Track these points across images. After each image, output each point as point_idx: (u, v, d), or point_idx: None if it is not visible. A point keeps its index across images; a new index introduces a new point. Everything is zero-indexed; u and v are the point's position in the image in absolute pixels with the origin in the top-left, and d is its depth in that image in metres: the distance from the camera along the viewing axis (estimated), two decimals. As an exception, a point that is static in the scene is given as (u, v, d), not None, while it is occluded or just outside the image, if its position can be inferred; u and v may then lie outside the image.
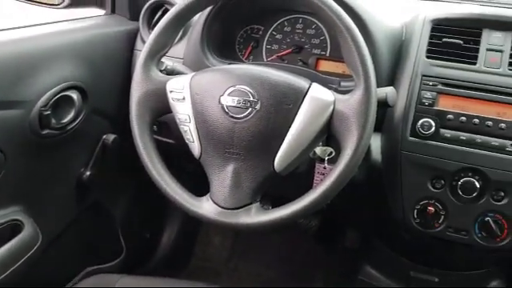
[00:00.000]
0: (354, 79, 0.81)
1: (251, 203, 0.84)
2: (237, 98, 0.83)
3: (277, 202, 0.86)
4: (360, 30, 0.81)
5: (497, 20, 1.00)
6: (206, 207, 0.85)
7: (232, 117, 0.83)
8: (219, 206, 0.84)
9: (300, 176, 1.01)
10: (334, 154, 0.97)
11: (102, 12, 1.32)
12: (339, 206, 1.34)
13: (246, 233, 1.80)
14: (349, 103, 0.80)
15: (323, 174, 1.01)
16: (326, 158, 0.97)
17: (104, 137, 1.23)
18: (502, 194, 0.95)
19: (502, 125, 0.94)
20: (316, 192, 0.80)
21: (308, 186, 0.83)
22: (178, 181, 0.88)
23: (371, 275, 1.29)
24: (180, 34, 1.18)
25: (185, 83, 0.88)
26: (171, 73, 0.98)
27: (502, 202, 0.95)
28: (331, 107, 0.81)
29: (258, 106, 0.82)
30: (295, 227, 1.56)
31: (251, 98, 0.82)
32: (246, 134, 0.82)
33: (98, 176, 1.24)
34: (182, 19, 0.90)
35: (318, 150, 0.98)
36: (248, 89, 0.83)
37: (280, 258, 1.81)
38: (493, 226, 0.96)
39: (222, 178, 0.84)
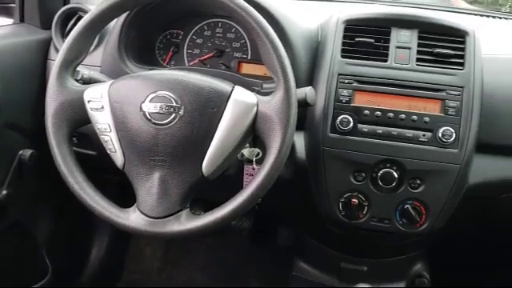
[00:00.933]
0: (274, 81, 0.83)
1: (181, 210, 0.83)
2: (159, 104, 0.81)
3: (209, 207, 0.85)
4: (277, 33, 0.83)
5: (403, 19, 1.06)
6: (133, 218, 0.83)
7: (155, 123, 0.82)
8: (147, 216, 0.82)
9: (230, 179, 1.02)
10: (261, 154, 0.98)
11: (9, 21, 1.25)
12: (270, 205, 1.36)
13: (178, 240, 1.78)
14: (271, 104, 0.82)
15: (252, 175, 1.02)
16: (254, 159, 0.98)
17: (20, 152, 1.16)
18: (419, 181, 1.01)
19: (414, 117, 1.00)
20: (245, 193, 0.81)
21: (238, 188, 0.84)
22: (102, 193, 0.85)
23: (304, 270, 1.32)
24: (96, 41, 1.14)
25: (103, 91, 0.85)
26: (88, 82, 0.94)
27: (419, 190, 1.02)
28: (254, 109, 0.83)
29: (181, 112, 0.81)
30: (228, 229, 1.56)
31: (174, 104, 0.81)
32: (171, 141, 0.81)
33: (16, 194, 1.17)
34: (97, 26, 0.88)
35: (246, 151, 0.99)
36: (170, 94, 0.82)
37: (214, 262, 1.81)
38: (412, 212, 1.02)
39: (149, 186, 0.83)
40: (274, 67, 0.81)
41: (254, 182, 0.81)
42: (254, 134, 0.86)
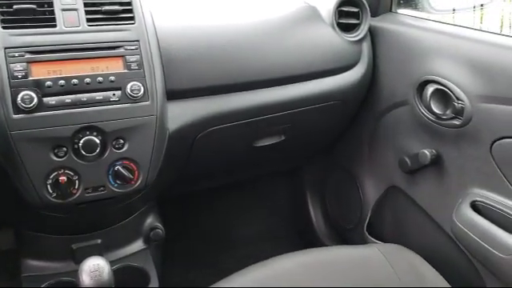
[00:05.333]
0: None
1: None
2: None
3: None
4: None
5: None
6: None
7: None
8: None
9: None
10: None
11: None
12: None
13: None
14: None
15: None
16: None
17: None
18: (122, 141, 1.02)
19: (100, 78, 0.98)
20: None
21: None
22: None
23: (35, 267, 1.20)
24: None
25: None
26: None
27: (124, 149, 1.02)
28: None
29: None
30: None
31: None
32: None
33: None
34: None
35: None
36: None
37: None
38: (124, 172, 1.02)
39: None
40: None
41: None
42: None
